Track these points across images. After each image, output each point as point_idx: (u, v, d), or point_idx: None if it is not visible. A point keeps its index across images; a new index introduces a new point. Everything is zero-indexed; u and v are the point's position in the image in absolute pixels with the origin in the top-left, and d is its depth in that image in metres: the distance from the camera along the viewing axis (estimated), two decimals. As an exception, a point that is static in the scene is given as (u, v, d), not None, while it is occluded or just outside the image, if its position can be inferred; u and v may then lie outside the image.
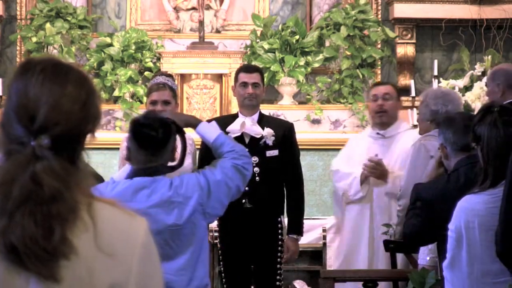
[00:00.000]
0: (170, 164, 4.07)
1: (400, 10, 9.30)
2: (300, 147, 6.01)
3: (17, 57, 9.23)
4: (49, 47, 8.99)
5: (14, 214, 1.64)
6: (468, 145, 3.97)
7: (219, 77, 8.94)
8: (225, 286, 5.72)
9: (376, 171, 6.01)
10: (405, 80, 9.36)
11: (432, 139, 5.26)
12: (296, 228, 5.78)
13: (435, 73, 9.09)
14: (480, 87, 8.61)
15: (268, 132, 5.73)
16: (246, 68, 6.02)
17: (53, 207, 1.65)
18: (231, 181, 4.08)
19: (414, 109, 8.56)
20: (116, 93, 8.95)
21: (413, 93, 9.01)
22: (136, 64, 9.07)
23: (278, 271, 5.69)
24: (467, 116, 4.33)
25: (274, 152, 5.72)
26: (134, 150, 4.01)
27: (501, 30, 9.28)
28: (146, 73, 9.05)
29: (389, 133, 6.16)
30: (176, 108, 5.54)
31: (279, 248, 5.70)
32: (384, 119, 6.14)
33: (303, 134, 8.38)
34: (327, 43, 9.19)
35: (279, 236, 5.70)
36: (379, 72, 9.38)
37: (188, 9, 9.54)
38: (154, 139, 3.97)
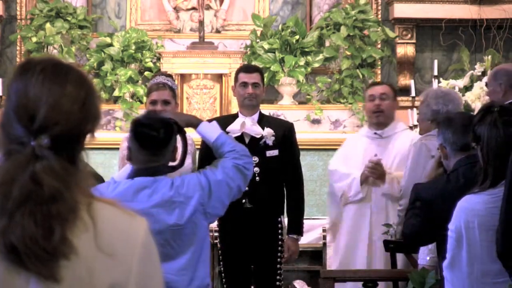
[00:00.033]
0: (170, 164, 4.07)
1: (400, 10, 9.30)
2: (300, 147, 6.01)
3: (17, 57, 9.23)
4: (49, 47, 8.99)
5: (14, 214, 1.64)
6: (468, 145, 3.97)
7: (219, 77, 8.94)
8: (225, 286, 5.71)
9: (376, 172, 6.00)
10: (405, 80, 9.36)
11: (433, 138, 5.25)
12: (296, 228, 5.78)
13: (435, 73, 9.08)
14: (480, 87, 8.60)
15: (268, 132, 5.73)
16: (246, 68, 6.01)
17: (53, 207, 1.65)
18: (232, 181, 4.07)
19: (414, 109, 8.55)
20: (116, 93, 8.95)
21: (413, 93, 9.00)
22: (136, 64, 9.07)
23: (278, 271, 5.68)
24: (467, 116, 4.33)
25: (274, 152, 5.72)
26: (135, 150, 4.01)
27: (501, 30, 9.28)
28: (146, 73, 9.05)
29: (386, 133, 6.14)
30: (176, 108, 5.53)
31: (279, 248, 5.69)
32: (381, 119, 6.13)
33: (303, 134, 8.38)
34: (327, 43, 9.19)
35: (279, 236, 5.70)
36: (379, 72, 9.38)
37: (188, 9, 9.54)
38: (155, 139, 3.97)
